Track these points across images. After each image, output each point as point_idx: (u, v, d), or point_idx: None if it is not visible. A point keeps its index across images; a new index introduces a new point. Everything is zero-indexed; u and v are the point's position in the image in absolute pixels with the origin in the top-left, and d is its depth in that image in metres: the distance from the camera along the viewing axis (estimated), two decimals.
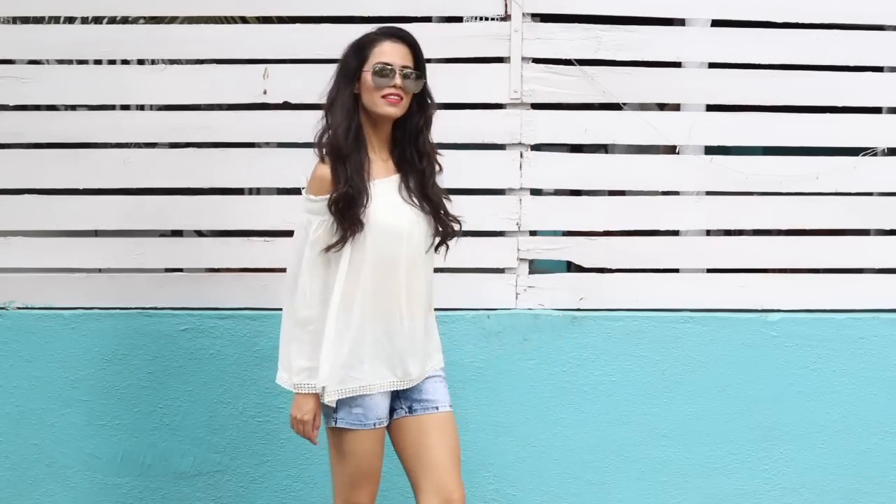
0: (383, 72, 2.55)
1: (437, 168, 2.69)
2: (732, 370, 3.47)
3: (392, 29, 2.66)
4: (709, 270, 3.57)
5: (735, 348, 3.47)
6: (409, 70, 2.58)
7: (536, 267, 3.57)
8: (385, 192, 2.60)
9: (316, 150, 2.61)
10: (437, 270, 3.45)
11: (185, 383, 3.45)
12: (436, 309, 3.42)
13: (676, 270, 3.56)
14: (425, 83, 2.64)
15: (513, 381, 3.45)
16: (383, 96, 2.56)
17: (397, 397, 2.67)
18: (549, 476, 3.47)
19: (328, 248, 2.54)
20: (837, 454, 3.49)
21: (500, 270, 3.50)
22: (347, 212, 2.52)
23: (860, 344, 3.48)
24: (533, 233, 3.51)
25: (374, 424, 2.61)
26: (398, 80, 2.56)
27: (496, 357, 3.45)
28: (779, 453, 3.49)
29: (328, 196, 2.53)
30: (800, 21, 3.50)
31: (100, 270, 3.51)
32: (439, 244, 2.68)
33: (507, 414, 3.45)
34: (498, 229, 3.50)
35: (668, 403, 3.47)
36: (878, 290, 3.55)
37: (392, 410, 2.67)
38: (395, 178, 2.64)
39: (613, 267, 3.51)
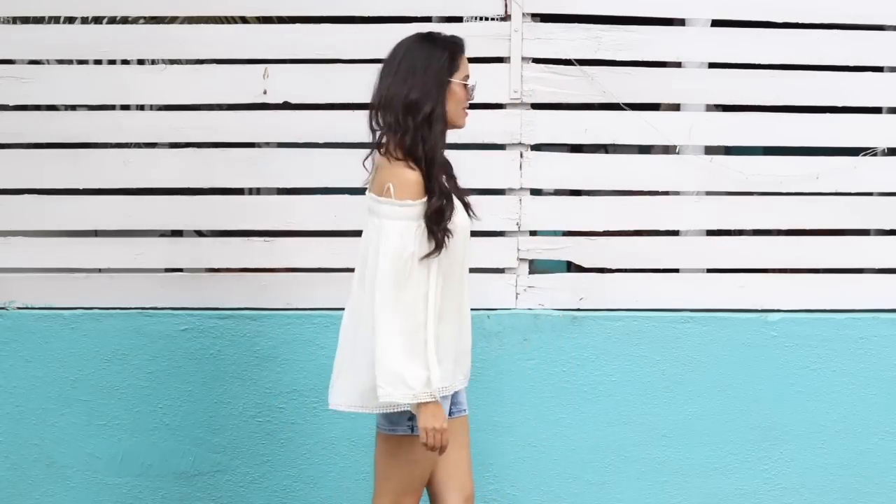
0: (472, 87, 2.56)
1: None
2: (732, 370, 3.47)
3: (461, 40, 2.59)
4: (709, 270, 3.57)
5: (735, 348, 3.47)
6: None
7: (536, 267, 3.57)
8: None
9: (393, 151, 2.46)
10: None
11: (185, 383, 3.45)
12: None
13: (676, 270, 3.56)
14: None
15: (513, 381, 3.45)
16: (464, 108, 2.56)
17: None
18: (549, 476, 3.47)
19: (426, 256, 2.44)
20: (837, 454, 3.48)
21: (500, 270, 3.50)
22: (442, 222, 2.44)
23: (860, 344, 3.48)
24: (533, 233, 3.51)
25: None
26: (474, 97, 2.59)
27: (496, 357, 3.44)
28: (779, 453, 3.49)
29: (424, 200, 2.43)
30: (800, 21, 3.50)
31: (100, 270, 3.51)
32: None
33: (507, 414, 3.45)
34: (498, 229, 3.50)
35: (668, 403, 3.47)
36: (878, 290, 3.55)
37: None
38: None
39: (613, 267, 3.51)
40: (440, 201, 2.43)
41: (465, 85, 2.53)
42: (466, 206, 2.63)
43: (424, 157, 2.44)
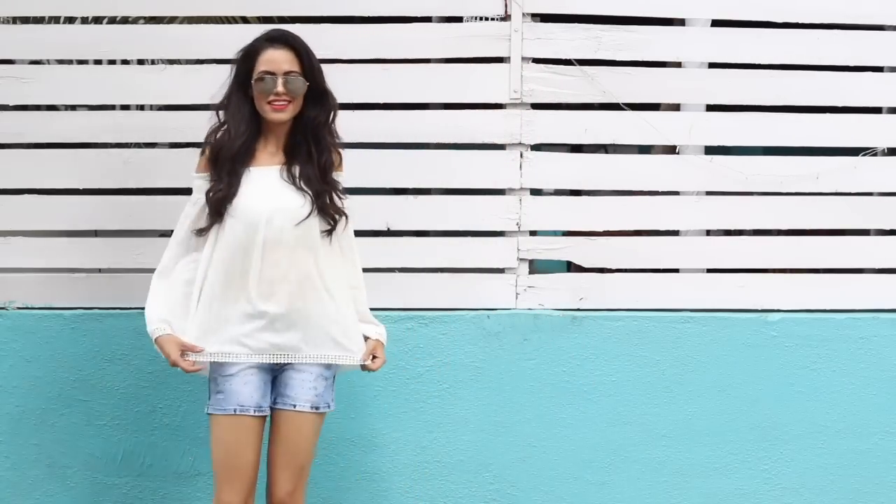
0: (265, 81, 2.69)
1: (333, 161, 2.78)
2: (732, 370, 3.47)
3: (275, 33, 2.79)
4: (709, 270, 3.57)
5: (735, 348, 3.47)
6: (294, 74, 2.70)
7: (536, 267, 3.57)
8: (254, 179, 2.73)
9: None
10: (437, 270, 3.49)
11: (185, 383, 3.45)
12: (435, 309, 3.45)
13: (676, 270, 3.56)
14: (315, 82, 2.73)
15: (513, 381, 3.45)
16: (269, 103, 2.70)
17: None
18: (549, 476, 3.47)
19: (198, 232, 2.76)
20: (837, 454, 3.49)
21: (500, 270, 3.50)
22: (216, 206, 2.71)
23: (860, 344, 3.48)
24: (533, 233, 3.51)
25: None
26: (280, 87, 2.69)
27: (496, 357, 3.45)
28: (779, 453, 3.49)
29: (207, 174, 2.75)
30: (800, 21, 3.50)
31: (100, 270, 3.51)
32: (329, 231, 2.76)
33: (507, 414, 3.45)
34: (498, 229, 3.50)
35: (668, 403, 3.47)
36: (878, 290, 3.55)
37: None
38: (276, 168, 2.76)
39: (613, 267, 3.51)
40: (216, 189, 2.72)
41: (262, 79, 2.69)
42: (323, 200, 2.74)
43: (215, 146, 2.76)
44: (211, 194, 2.73)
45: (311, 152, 2.76)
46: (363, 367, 2.82)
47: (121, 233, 3.54)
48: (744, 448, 3.48)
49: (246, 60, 2.74)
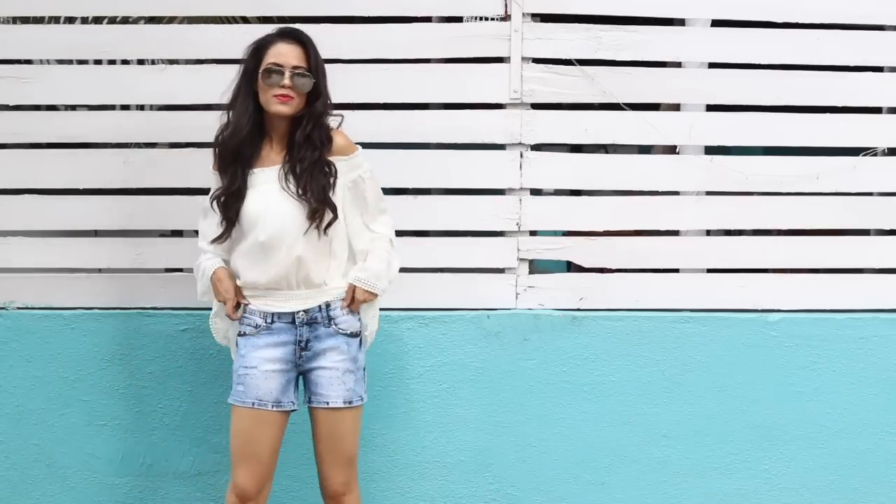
0: (273, 72, 2.74)
1: (325, 167, 2.79)
2: (732, 370, 3.47)
3: (286, 29, 2.83)
4: (709, 270, 3.57)
5: (735, 348, 3.47)
6: (302, 70, 2.74)
7: (536, 267, 3.58)
8: (258, 182, 2.80)
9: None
10: (437, 270, 3.49)
11: (185, 383, 3.45)
12: (436, 309, 3.46)
13: (676, 270, 3.56)
14: (318, 81, 2.77)
15: (513, 381, 3.45)
16: (274, 95, 2.74)
17: None
18: (549, 476, 3.47)
19: (214, 240, 2.85)
20: (837, 454, 3.49)
21: (500, 270, 3.50)
22: (227, 208, 2.80)
23: (860, 344, 3.48)
24: (533, 233, 3.51)
25: None
26: (287, 80, 2.73)
27: (496, 357, 3.45)
28: (779, 453, 3.49)
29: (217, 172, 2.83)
30: (800, 21, 3.50)
31: (100, 270, 3.51)
32: (326, 227, 2.79)
33: (507, 414, 3.45)
34: (498, 229, 3.50)
35: (668, 403, 3.47)
36: (878, 290, 3.55)
37: None
38: (276, 168, 2.79)
39: (613, 267, 3.51)
40: (225, 190, 2.80)
41: (269, 71, 2.74)
42: (314, 198, 2.76)
43: (222, 147, 2.81)
44: (221, 199, 2.81)
45: (306, 151, 2.78)
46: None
47: (121, 233, 3.54)
48: (744, 448, 3.48)
49: (256, 53, 2.79)
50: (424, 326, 3.43)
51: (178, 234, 3.86)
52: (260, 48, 2.78)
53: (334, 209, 2.80)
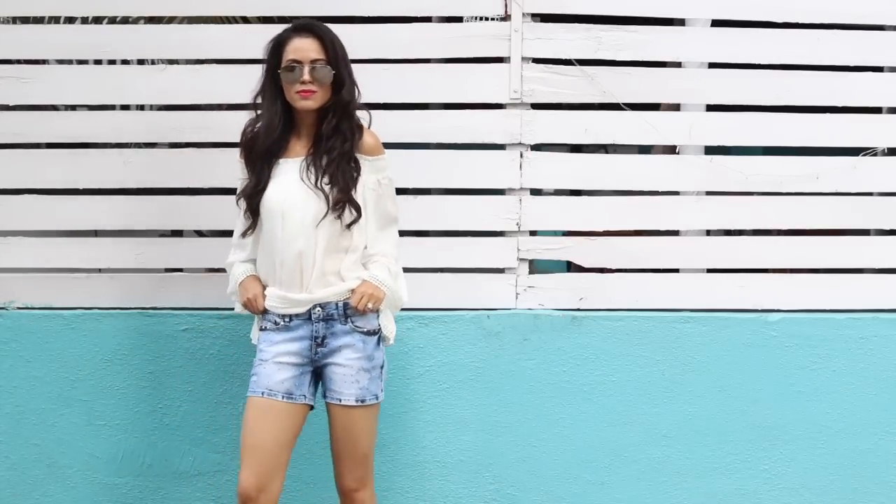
0: (290, 70, 2.75)
1: (351, 160, 2.78)
2: (732, 370, 3.47)
3: (302, 23, 2.85)
4: (709, 270, 3.57)
5: (735, 348, 3.47)
6: (320, 62, 2.75)
7: (536, 267, 3.58)
8: (281, 172, 2.80)
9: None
10: (437, 270, 3.49)
11: (185, 383, 3.45)
12: (436, 309, 3.46)
13: (676, 270, 3.56)
14: (338, 71, 2.76)
15: (513, 381, 3.45)
16: (297, 92, 2.75)
17: None
18: (549, 476, 3.47)
19: (243, 235, 2.87)
20: (837, 454, 3.49)
21: (500, 270, 3.50)
22: (251, 199, 2.81)
23: (860, 344, 3.48)
24: (533, 233, 3.51)
25: None
26: (307, 75, 2.74)
27: (496, 357, 3.45)
28: (779, 453, 3.49)
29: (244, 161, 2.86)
30: (800, 21, 3.50)
31: (100, 270, 3.51)
32: (349, 224, 2.78)
33: (507, 414, 3.45)
34: (498, 229, 3.50)
35: (668, 403, 3.47)
36: (878, 290, 3.55)
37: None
38: (300, 160, 2.80)
39: (613, 267, 3.51)
40: (250, 186, 2.81)
41: (289, 68, 2.75)
42: (338, 191, 2.75)
43: (248, 140, 2.85)
44: (246, 190, 2.82)
45: (335, 141, 2.77)
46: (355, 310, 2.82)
47: (121, 233, 3.54)
48: (744, 448, 3.48)
49: (275, 51, 2.80)
50: (424, 326, 3.43)
51: (178, 234, 3.87)
52: (278, 45, 2.79)
53: (358, 208, 2.78)
